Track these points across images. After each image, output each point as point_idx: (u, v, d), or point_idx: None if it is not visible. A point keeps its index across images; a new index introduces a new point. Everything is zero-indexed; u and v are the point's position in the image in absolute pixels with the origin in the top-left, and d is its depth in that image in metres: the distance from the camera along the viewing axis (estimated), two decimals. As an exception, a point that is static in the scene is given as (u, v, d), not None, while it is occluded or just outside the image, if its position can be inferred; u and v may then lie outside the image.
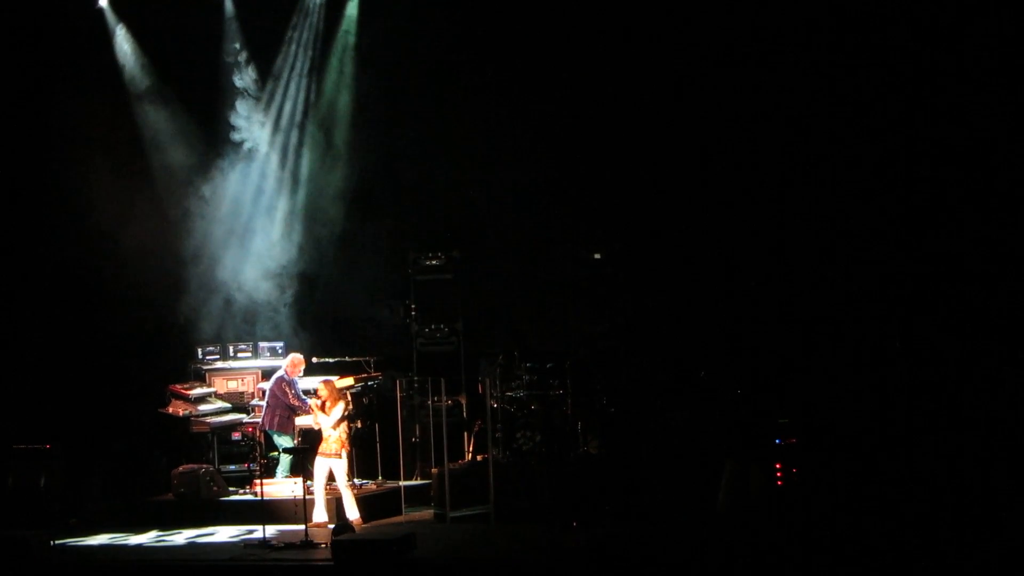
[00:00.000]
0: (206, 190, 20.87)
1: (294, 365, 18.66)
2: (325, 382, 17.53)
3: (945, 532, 14.47)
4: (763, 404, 17.16)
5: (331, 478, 17.34)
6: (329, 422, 17.18)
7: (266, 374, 19.54)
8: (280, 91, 21.06)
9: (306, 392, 18.49)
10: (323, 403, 17.27)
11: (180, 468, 18.46)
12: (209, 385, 19.72)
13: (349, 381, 18.66)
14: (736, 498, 15.89)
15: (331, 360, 19.28)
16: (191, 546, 16.74)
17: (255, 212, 21.06)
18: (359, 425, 18.53)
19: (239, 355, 19.94)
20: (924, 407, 16.58)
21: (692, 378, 17.86)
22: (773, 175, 18.51)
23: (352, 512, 17.12)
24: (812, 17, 18.11)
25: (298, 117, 21.07)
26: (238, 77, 20.93)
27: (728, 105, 18.66)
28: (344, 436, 17.25)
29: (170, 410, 19.23)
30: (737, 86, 18.63)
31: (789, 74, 18.41)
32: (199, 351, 20.00)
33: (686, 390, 17.68)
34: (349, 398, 17.68)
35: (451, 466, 17.51)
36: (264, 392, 18.91)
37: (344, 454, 17.21)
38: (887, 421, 16.57)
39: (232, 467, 19.25)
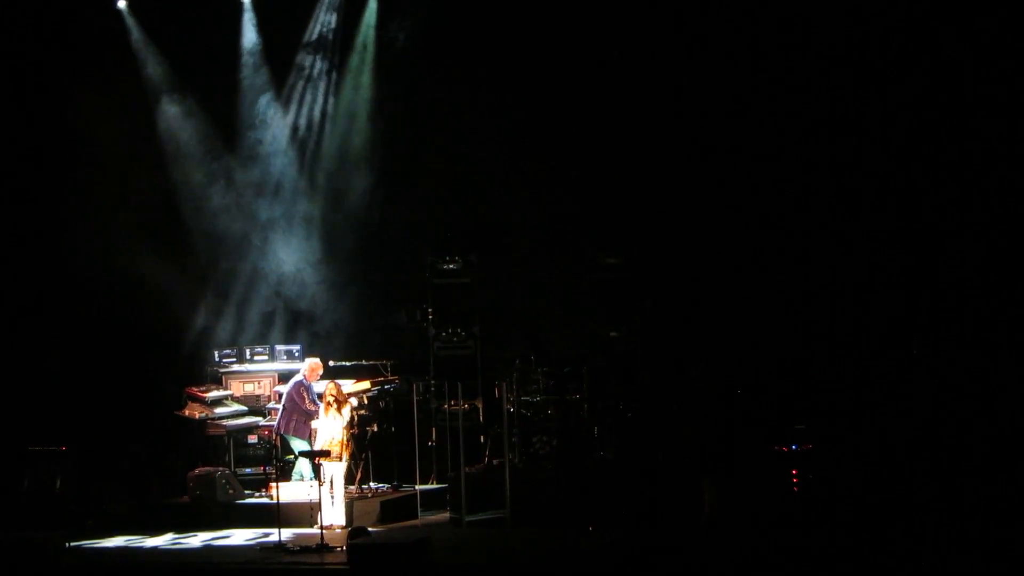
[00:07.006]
0: (224, 192, 20.89)
1: (312, 369, 18.68)
2: (336, 384, 17.68)
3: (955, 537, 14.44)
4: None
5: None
6: (340, 425, 17.27)
7: (283, 377, 19.54)
8: (298, 92, 21.08)
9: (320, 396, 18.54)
10: (339, 405, 17.36)
11: (196, 471, 18.46)
12: (225, 388, 19.72)
13: (366, 384, 18.67)
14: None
15: (348, 363, 19.30)
16: (207, 549, 16.71)
17: (273, 214, 21.09)
18: (375, 428, 18.56)
19: (256, 358, 19.91)
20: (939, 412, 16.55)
21: (708, 381, 17.82)
22: (793, 180, 18.44)
23: (339, 517, 17.10)
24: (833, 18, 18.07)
25: (316, 118, 21.08)
26: (256, 78, 20.94)
27: (751, 110, 18.61)
28: (345, 439, 17.36)
29: (186, 412, 19.23)
30: (761, 92, 18.57)
31: (811, 81, 18.34)
32: (216, 354, 19.99)
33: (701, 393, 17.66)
34: (353, 402, 17.83)
35: (467, 470, 17.48)
36: (281, 395, 18.90)
37: (345, 457, 17.34)
38: (903, 428, 16.52)
39: (248, 470, 19.26)
